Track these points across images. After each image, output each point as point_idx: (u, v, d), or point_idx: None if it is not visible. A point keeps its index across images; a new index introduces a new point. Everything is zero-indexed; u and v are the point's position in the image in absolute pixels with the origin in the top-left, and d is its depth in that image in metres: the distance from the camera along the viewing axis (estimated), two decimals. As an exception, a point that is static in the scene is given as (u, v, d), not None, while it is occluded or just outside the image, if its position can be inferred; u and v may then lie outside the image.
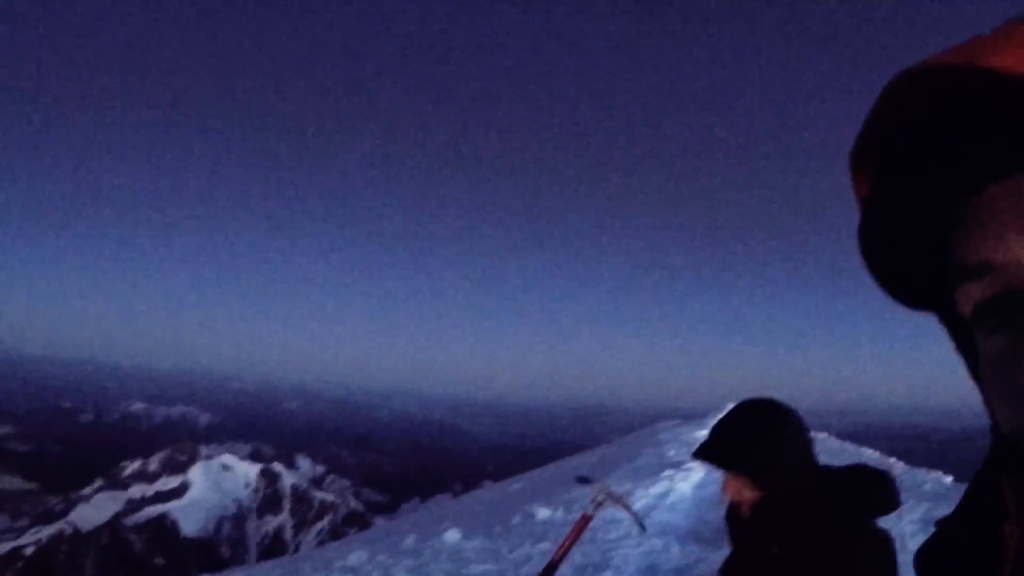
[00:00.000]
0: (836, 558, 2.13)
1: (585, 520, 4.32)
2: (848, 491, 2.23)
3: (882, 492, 2.22)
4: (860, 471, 2.30)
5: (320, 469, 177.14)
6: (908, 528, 7.34)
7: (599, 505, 4.32)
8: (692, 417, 24.76)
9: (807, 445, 2.34)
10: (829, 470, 2.34)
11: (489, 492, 18.80)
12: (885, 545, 2.15)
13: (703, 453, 2.39)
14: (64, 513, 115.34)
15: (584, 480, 4.66)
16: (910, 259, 0.94)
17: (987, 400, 0.95)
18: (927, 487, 9.66)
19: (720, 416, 2.46)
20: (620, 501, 4.43)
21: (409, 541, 8.78)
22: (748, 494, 2.34)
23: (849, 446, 16.22)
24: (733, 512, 2.55)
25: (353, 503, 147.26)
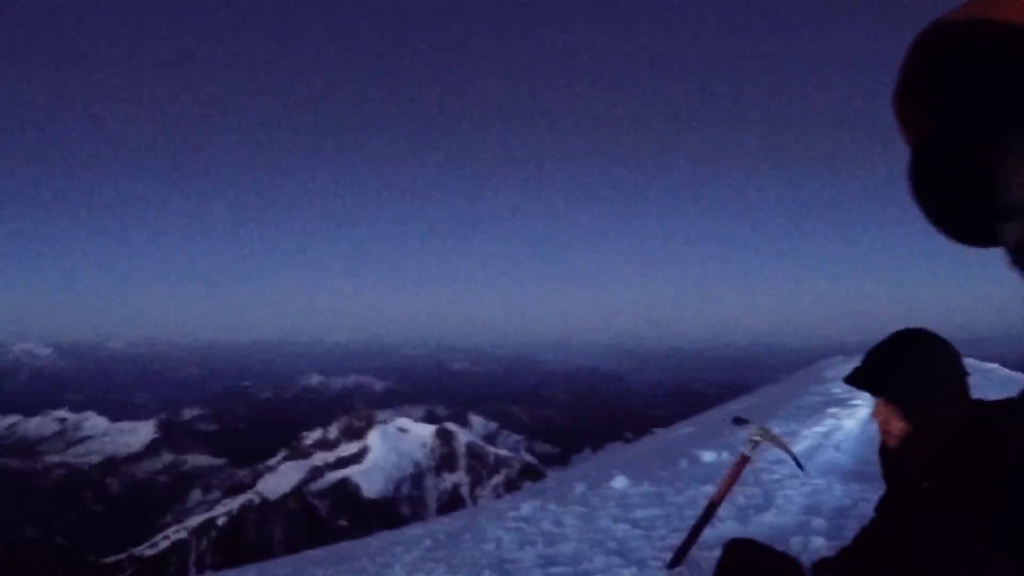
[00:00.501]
0: (986, 495, 2.03)
1: (743, 460, 4.32)
2: (999, 423, 2.17)
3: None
4: (1010, 403, 2.26)
5: (493, 426, 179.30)
6: None
7: (756, 445, 4.32)
8: (857, 353, 22.73)
9: (960, 379, 2.31)
10: (981, 402, 2.30)
11: (656, 439, 18.48)
12: None
13: (853, 378, 2.40)
14: (252, 484, 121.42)
15: (740, 421, 4.75)
16: (959, 196, 0.94)
17: None
18: None
19: (875, 345, 2.44)
20: (777, 441, 4.44)
21: (578, 489, 8.96)
22: (896, 423, 2.33)
23: (1021, 376, 14.65)
24: (884, 446, 2.56)
25: (527, 457, 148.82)
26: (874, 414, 2.36)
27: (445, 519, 12.45)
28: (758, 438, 4.29)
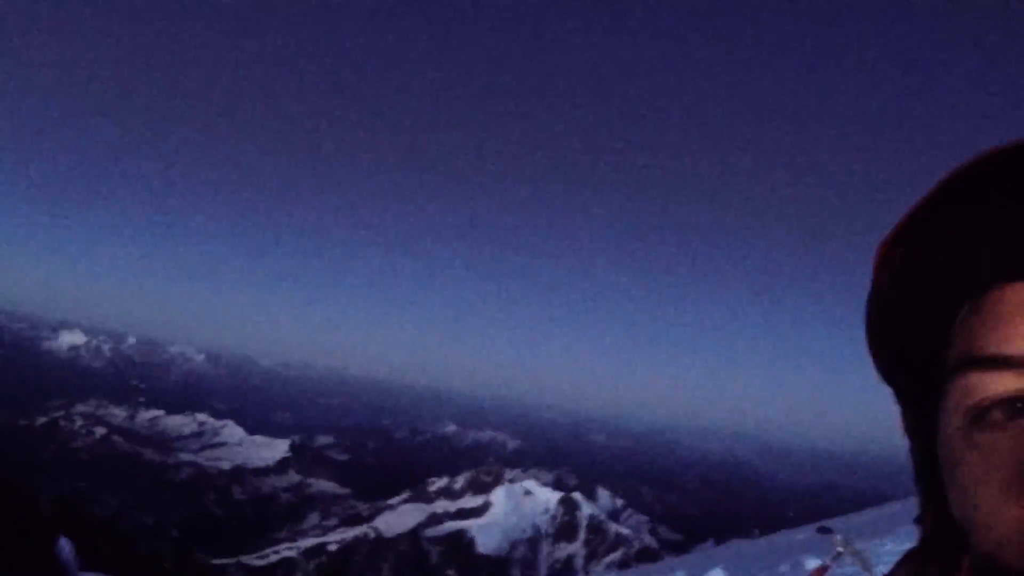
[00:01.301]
0: None
1: (822, 569, 4.23)
2: None
3: None
4: None
5: (619, 502, 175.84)
6: None
7: (838, 556, 4.28)
8: None
9: None
10: None
11: (776, 539, 18.19)
12: None
13: None
14: (370, 519, 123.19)
15: (825, 530, 4.80)
16: (911, 339, 0.97)
17: (952, 489, 1.01)
18: None
19: None
20: (858, 556, 4.39)
21: (677, 574, 9.69)
22: None
23: None
24: None
25: (648, 539, 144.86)
26: None
27: None
28: (840, 550, 4.28)
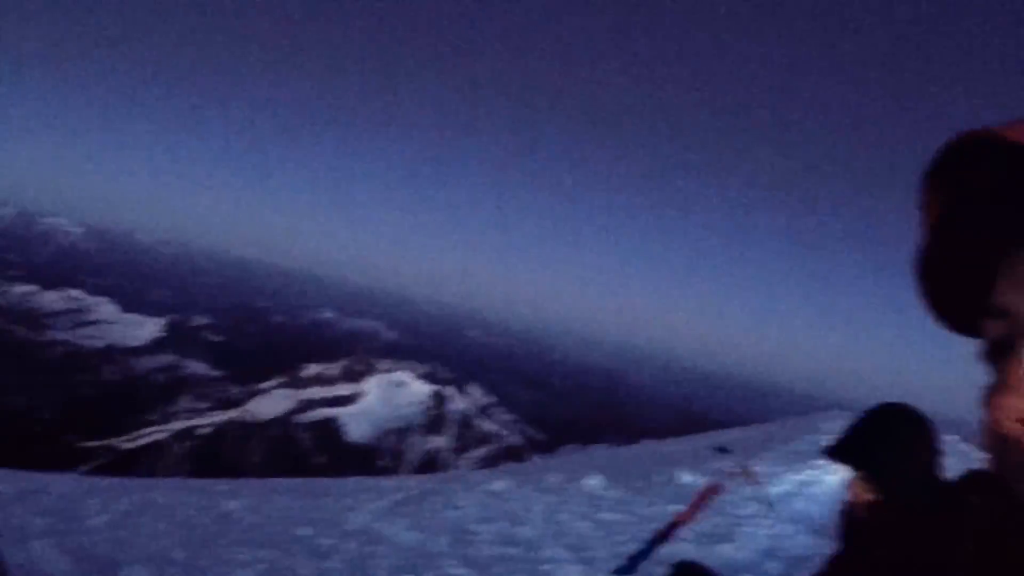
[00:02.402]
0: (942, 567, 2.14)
1: (715, 488, 4.42)
2: (966, 502, 2.15)
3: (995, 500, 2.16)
4: (978, 477, 2.17)
5: (490, 399, 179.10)
6: None
7: (732, 477, 4.46)
8: (856, 410, 22.55)
9: (935, 457, 2.34)
10: (950, 482, 2.38)
11: (642, 449, 18.88)
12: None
13: (831, 451, 2.45)
14: (242, 402, 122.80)
15: (723, 450, 4.95)
16: (956, 285, 0.98)
17: None
18: None
19: (855, 417, 2.49)
20: (753, 479, 4.61)
21: (553, 479, 9.40)
22: (868, 496, 2.35)
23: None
24: (848, 511, 2.53)
25: (514, 437, 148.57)
26: (848, 487, 2.39)
27: (419, 478, 12.77)
28: (737, 471, 4.20)
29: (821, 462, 11.37)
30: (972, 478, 1.62)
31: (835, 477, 10.98)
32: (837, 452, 2.41)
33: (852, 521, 2.47)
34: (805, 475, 10.71)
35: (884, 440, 2.31)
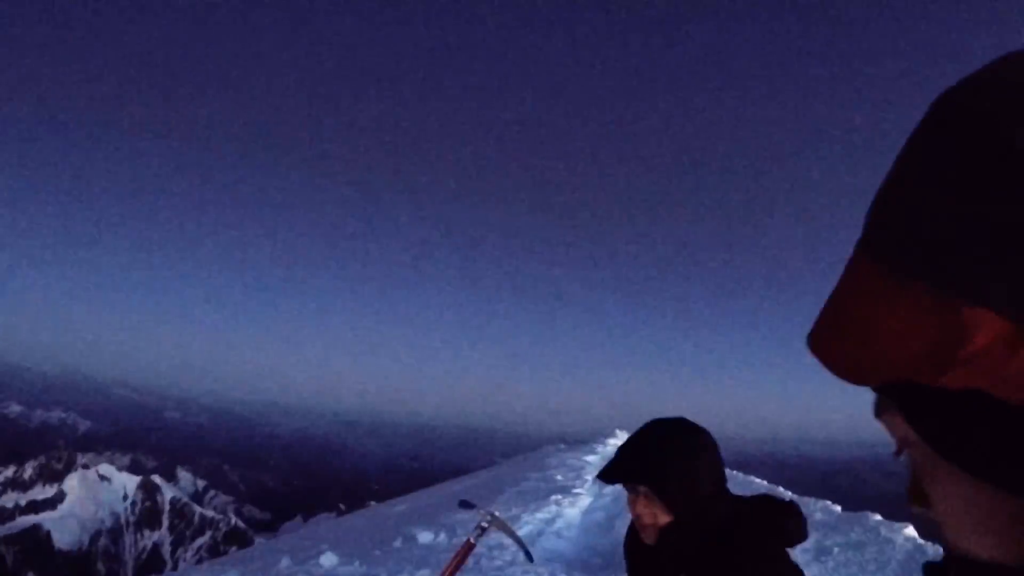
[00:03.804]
0: None
1: (468, 547, 4.07)
2: (761, 519, 2.19)
3: (794, 522, 2.18)
4: (771, 500, 2.26)
5: (201, 483, 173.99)
6: (801, 557, 7.16)
7: (483, 531, 4.10)
8: (578, 443, 24.19)
9: (720, 469, 2.28)
10: (741, 497, 2.29)
11: (370, 513, 17.61)
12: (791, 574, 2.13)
13: (610, 472, 2.29)
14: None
15: (467, 505, 4.43)
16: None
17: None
18: (817, 516, 9.48)
19: (630, 435, 2.36)
20: (505, 528, 4.25)
21: (284, 564, 8.25)
22: (655, 515, 2.22)
23: (738, 474, 15.59)
24: (635, 536, 2.42)
25: (235, 520, 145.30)
26: (634, 509, 2.24)
27: None
28: (486, 524, 4.10)
29: (558, 496, 11.96)
30: (766, 501, 2.28)
31: (576, 510, 11.57)
32: (620, 470, 2.25)
33: (639, 546, 2.36)
34: (546, 512, 10.77)
35: (669, 451, 2.19)
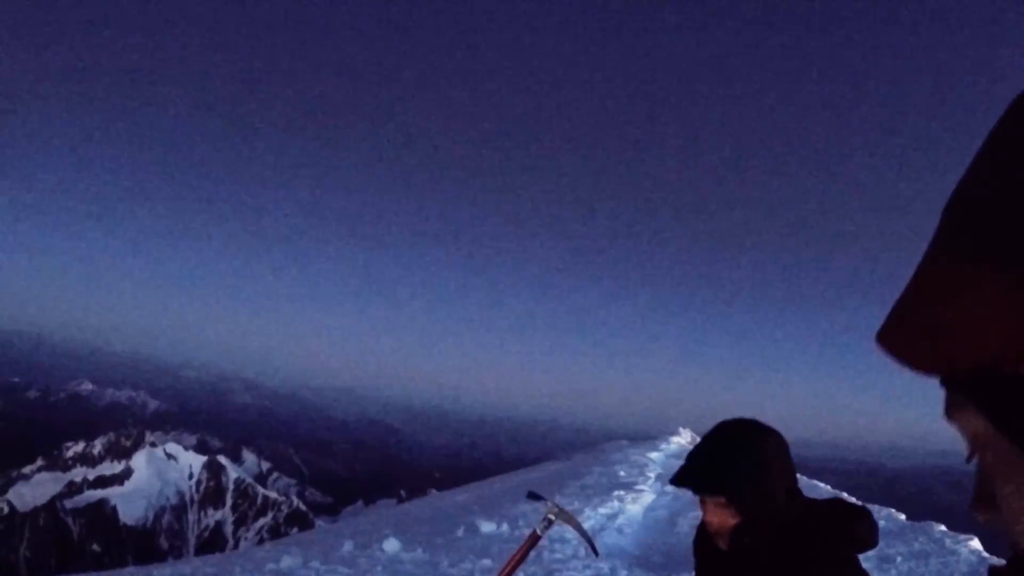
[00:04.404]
0: None
1: (534, 538, 3.90)
2: (834, 523, 2.16)
3: (865, 527, 2.15)
4: (842, 504, 2.24)
5: (266, 465, 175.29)
6: (864, 565, 6.71)
7: (549, 524, 3.91)
8: (642, 439, 24.25)
9: (791, 470, 2.25)
10: (813, 500, 2.27)
11: (433, 502, 17.80)
12: None
13: (684, 478, 2.25)
14: (2, 491, 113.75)
15: (535, 496, 4.20)
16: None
17: None
18: (881, 524, 8.12)
19: (701, 438, 2.33)
20: (572, 521, 4.02)
21: (347, 547, 8.22)
22: (732, 521, 2.21)
23: (803, 478, 14.56)
24: (704, 537, 2.42)
25: (296, 502, 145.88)
26: (706, 515, 2.26)
27: (198, 561, 11.50)
28: (552, 517, 3.95)
29: (620, 492, 11.80)
30: (837, 505, 2.23)
31: (638, 506, 11.41)
32: (692, 478, 2.25)
33: (711, 548, 2.36)
34: (608, 508, 10.65)
35: (742, 457, 2.19)
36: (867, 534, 2.15)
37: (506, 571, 3.87)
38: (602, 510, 10.39)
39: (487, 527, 9.12)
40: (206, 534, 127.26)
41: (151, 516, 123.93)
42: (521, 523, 9.21)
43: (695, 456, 2.26)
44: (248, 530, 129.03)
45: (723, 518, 2.21)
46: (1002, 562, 0.90)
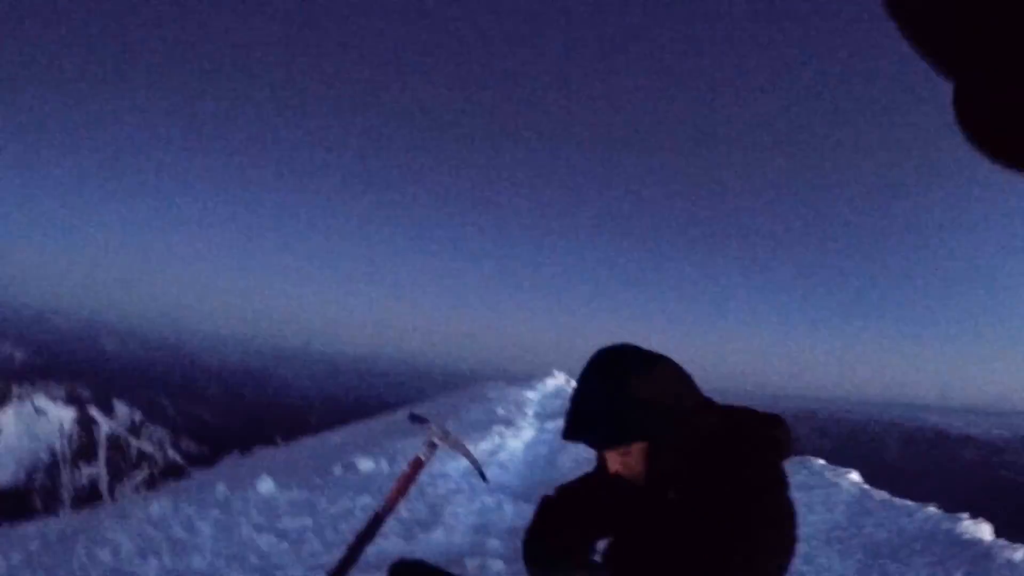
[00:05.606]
0: (741, 500, 1.95)
1: (417, 464, 3.74)
2: (753, 428, 2.07)
3: (783, 432, 2.08)
4: (755, 412, 2.14)
5: (138, 415, 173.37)
6: None
7: (434, 448, 3.77)
8: (518, 379, 22.60)
9: (690, 385, 2.07)
10: (729, 408, 2.15)
11: (309, 443, 16.64)
12: (786, 487, 2.01)
13: (572, 432, 2.07)
14: None
15: (417, 419, 4.04)
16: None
17: None
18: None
19: (578, 381, 2.10)
20: (459, 445, 3.89)
21: (219, 491, 7.77)
22: (640, 465, 2.04)
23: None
24: (611, 482, 2.18)
25: (172, 453, 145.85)
26: (613, 467, 2.06)
27: (69, 516, 10.71)
28: (436, 440, 3.71)
29: (500, 428, 11.55)
30: (750, 413, 2.13)
31: (519, 442, 11.24)
32: (580, 432, 2.04)
33: (619, 492, 2.17)
34: (489, 443, 10.43)
35: (631, 401, 1.95)
36: (787, 439, 2.07)
37: (390, 502, 3.73)
38: (483, 445, 10.23)
39: (366, 464, 8.86)
40: (82, 492, 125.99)
41: (23, 476, 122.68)
42: (400, 459, 8.86)
43: (580, 402, 2.07)
44: (124, 485, 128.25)
45: (630, 464, 2.06)
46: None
